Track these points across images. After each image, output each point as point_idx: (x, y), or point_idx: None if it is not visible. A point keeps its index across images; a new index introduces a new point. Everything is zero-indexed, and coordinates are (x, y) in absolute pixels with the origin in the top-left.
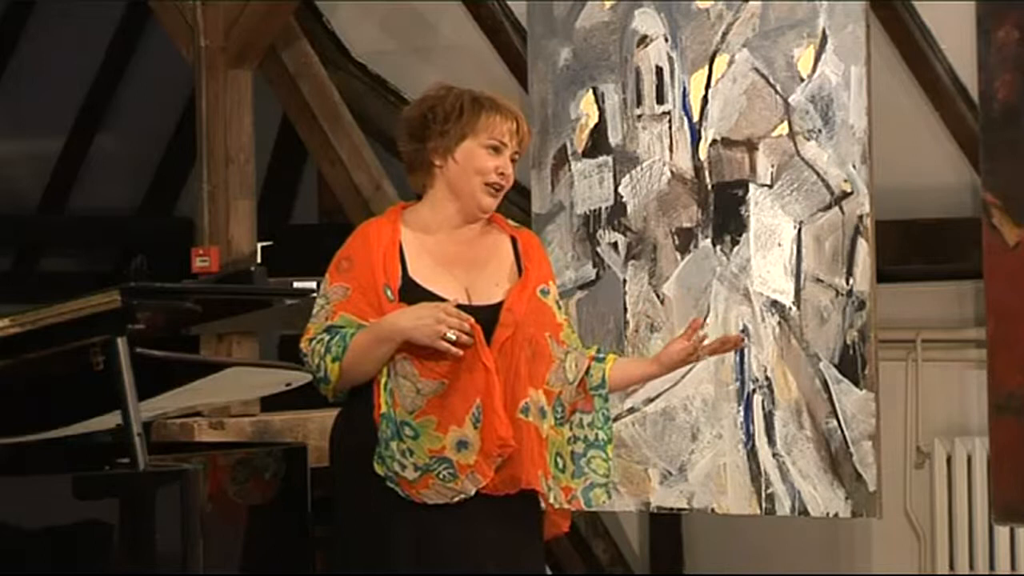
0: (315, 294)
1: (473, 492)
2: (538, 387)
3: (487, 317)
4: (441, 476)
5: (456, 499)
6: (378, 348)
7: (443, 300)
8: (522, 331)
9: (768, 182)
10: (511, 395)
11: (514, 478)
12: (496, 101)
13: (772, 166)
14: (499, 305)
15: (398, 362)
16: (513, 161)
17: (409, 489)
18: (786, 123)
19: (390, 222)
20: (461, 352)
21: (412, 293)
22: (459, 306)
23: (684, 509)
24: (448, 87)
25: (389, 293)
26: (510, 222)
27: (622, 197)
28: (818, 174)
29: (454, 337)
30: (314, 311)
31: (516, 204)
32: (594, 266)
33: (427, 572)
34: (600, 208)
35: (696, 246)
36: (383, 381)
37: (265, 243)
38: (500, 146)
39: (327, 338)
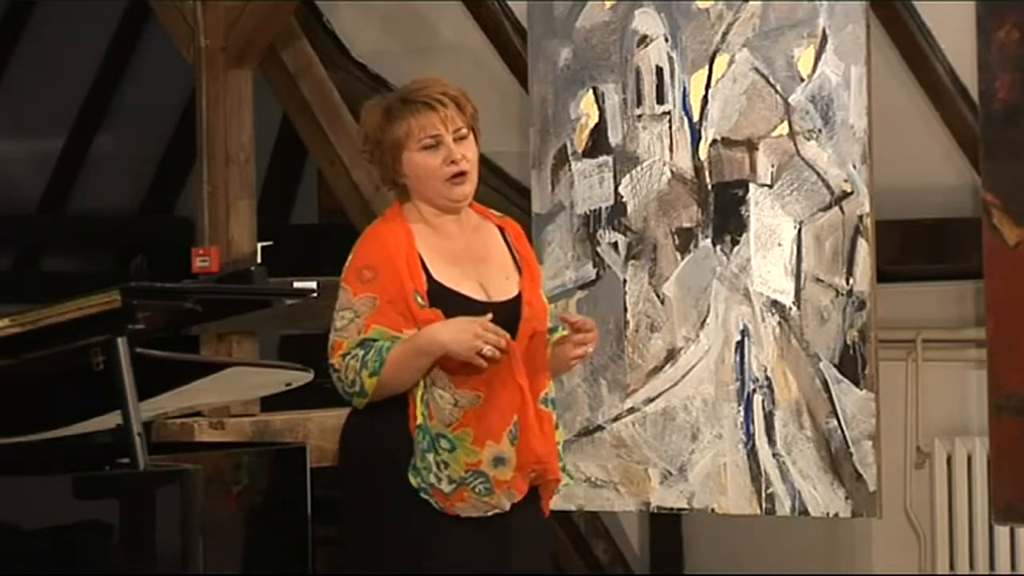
0: (315, 294)
1: (508, 507)
2: (549, 376)
3: (508, 312)
4: (477, 490)
5: (490, 513)
6: (416, 361)
7: (471, 300)
8: (540, 323)
9: (768, 182)
10: (535, 388)
11: (543, 471)
12: (408, 99)
13: (772, 166)
14: (516, 299)
15: (435, 373)
16: (463, 137)
17: (444, 502)
18: (786, 123)
19: (399, 225)
20: (486, 365)
21: (441, 296)
22: (482, 303)
23: (684, 509)
24: (369, 107)
25: (419, 299)
26: (494, 212)
27: (622, 197)
28: (818, 174)
29: (490, 353)
30: (339, 324)
31: (516, 204)
32: (594, 266)
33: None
34: (600, 208)
35: (696, 246)
36: (419, 393)
37: (265, 243)
38: (435, 141)
39: (361, 353)
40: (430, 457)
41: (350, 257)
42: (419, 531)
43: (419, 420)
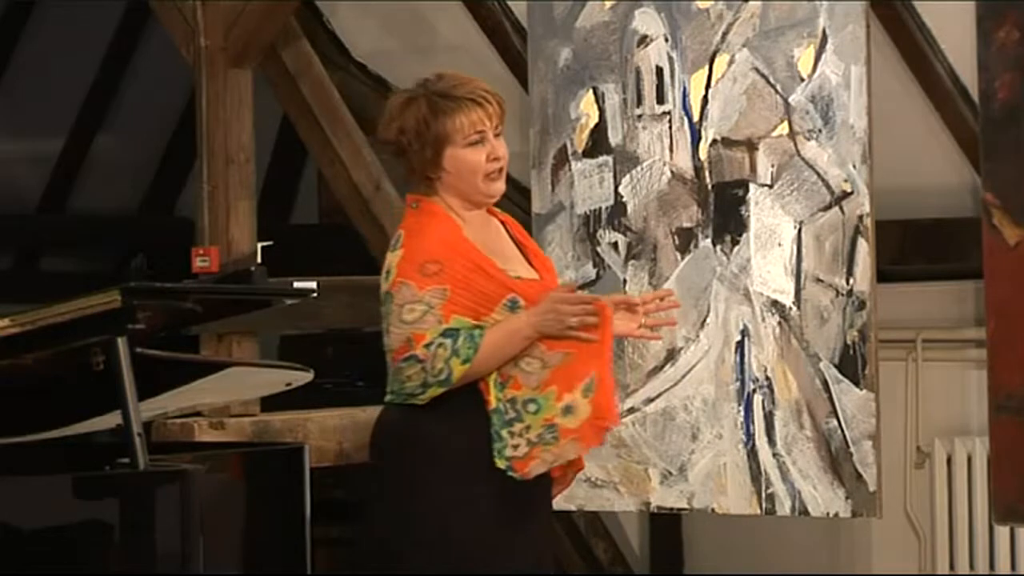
0: (315, 294)
1: (571, 457)
2: None
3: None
4: (545, 441)
5: (554, 464)
6: (510, 348)
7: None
8: None
9: (768, 182)
10: None
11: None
12: (454, 95)
13: (772, 166)
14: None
15: None
16: (499, 135)
17: (522, 468)
18: (786, 123)
19: (445, 219)
20: (593, 337)
21: None
22: None
23: (684, 509)
24: (405, 99)
25: (512, 272)
26: (495, 208)
27: (622, 197)
28: (818, 174)
29: (578, 323)
30: (409, 317)
31: (516, 204)
32: (594, 266)
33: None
34: (600, 208)
35: (696, 246)
36: (492, 377)
37: (265, 243)
38: (480, 137)
39: (449, 342)
40: (506, 433)
41: (400, 253)
42: (504, 516)
43: (493, 404)
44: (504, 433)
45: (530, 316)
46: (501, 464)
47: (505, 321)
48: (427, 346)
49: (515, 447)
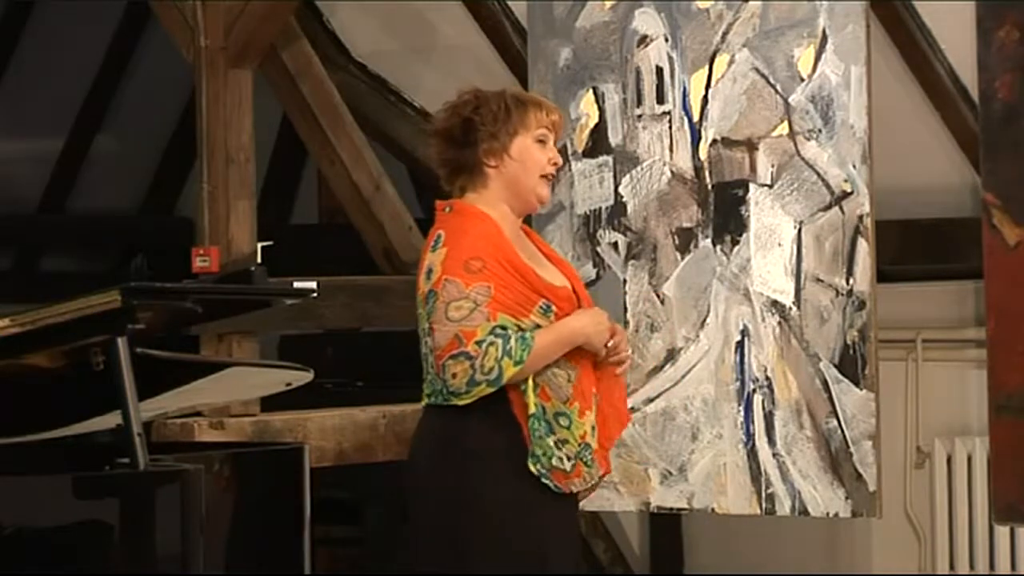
0: (315, 294)
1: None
2: None
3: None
4: (587, 462)
5: (592, 484)
6: (559, 350)
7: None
8: None
9: (768, 182)
10: None
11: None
12: (534, 96)
13: (772, 166)
14: (572, 291)
15: None
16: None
17: (563, 480)
18: (786, 123)
19: (486, 219)
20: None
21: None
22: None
23: (684, 509)
24: (474, 91)
25: (555, 279)
26: None
27: (622, 197)
28: (818, 174)
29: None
30: (457, 315)
31: None
32: (594, 266)
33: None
34: (600, 208)
35: (696, 246)
36: (528, 383)
37: (265, 243)
38: (545, 137)
39: (500, 341)
40: (550, 441)
41: (444, 251)
42: (545, 518)
43: (532, 409)
44: (550, 442)
45: (582, 324)
46: (534, 468)
47: (555, 326)
48: (478, 343)
49: (561, 460)
